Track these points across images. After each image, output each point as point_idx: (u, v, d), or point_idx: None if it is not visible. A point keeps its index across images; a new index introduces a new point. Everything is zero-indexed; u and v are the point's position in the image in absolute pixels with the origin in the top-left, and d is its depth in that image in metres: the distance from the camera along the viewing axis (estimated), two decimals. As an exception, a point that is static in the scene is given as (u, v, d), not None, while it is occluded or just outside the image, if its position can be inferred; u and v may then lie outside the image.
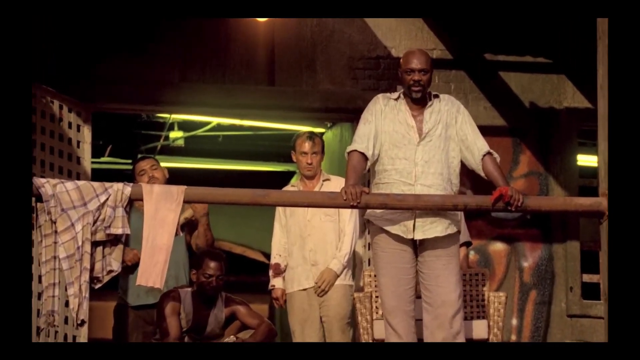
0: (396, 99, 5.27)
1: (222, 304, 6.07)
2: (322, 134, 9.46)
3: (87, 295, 4.92)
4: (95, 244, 4.97)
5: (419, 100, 5.22)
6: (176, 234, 5.09)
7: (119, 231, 5.01)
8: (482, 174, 5.24)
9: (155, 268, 5.00)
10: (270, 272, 6.48)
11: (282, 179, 12.51)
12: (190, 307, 5.96)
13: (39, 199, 4.88)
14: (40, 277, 4.95)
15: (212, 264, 5.96)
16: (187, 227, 6.36)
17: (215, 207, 6.33)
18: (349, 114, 8.10)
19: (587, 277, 8.34)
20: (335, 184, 6.22)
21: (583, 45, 8.30)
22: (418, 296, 5.29)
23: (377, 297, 5.90)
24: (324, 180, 6.42)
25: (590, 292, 8.29)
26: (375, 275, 5.60)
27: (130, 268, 6.07)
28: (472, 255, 8.07)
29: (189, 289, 6.06)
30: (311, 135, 6.47)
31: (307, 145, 6.39)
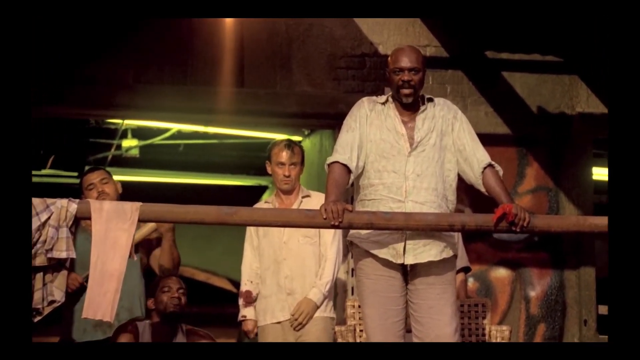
0: (383, 103, 5.29)
1: (184, 337, 6.09)
2: (300, 142, 9.49)
3: (26, 329, 4.90)
4: (34, 270, 4.96)
5: (410, 105, 5.24)
6: (130, 257, 5.08)
7: (63, 255, 5.00)
8: (483, 190, 5.26)
9: (104, 298, 4.99)
10: (241, 301, 6.48)
11: (252, 195, 12.52)
12: (149, 341, 5.97)
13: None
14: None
15: (169, 280, 6.18)
16: (145, 245, 6.36)
17: (175, 227, 6.34)
18: (330, 119, 8.13)
19: (603, 309, 8.38)
20: (316, 201, 6.22)
21: (598, 42, 8.37)
22: (408, 330, 5.30)
23: (361, 330, 5.91)
24: (303, 197, 6.43)
25: (607, 325, 8.33)
26: (359, 306, 5.60)
27: (74, 298, 6.06)
28: (471, 282, 8.10)
29: (147, 321, 6.11)
30: (290, 144, 6.48)
31: (284, 155, 6.41)
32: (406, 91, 5.18)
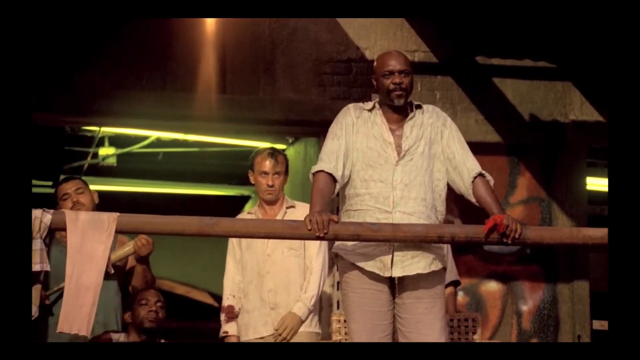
0: (370, 110, 5.29)
1: (162, 354, 6.11)
2: (284, 150, 9.50)
3: (-2, 344, 4.89)
4: (7, 283, 4.94)
5: (398, 112, 5.25)
6: (107, 271, 5.07)
7: (37, 267, 4.98)
8: (473, 200, 5.27)
9: (80, 312, 4.97)
10: (223, 316, 6.48)
11: (234, 205, 12.52)
12: (123, 356, 5.99)
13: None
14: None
15: (147, 293, 6.20)
16: (123, 266, 6.36)
17: (154, 239, 6.33)
18: (315, 127, 8.13)
19: (597, 324, 8.39)
20: (301, 212, 6.22)
21: (592, 47, 8.40)
22: (396, 345, 5.31)
23: (347, 346, 5.91)
24: (287, 208, 6.43)
25: (601, 341, 8.35)
26: (345, 321, 5.60)
27: (48, 312, 6.04)
28: (461, 296, 8.10)
29: (123, 334, 6.14)
30: (273, 152, 6.49)
31: (268, 164, 6.42)
32: (398, 93, 5.19)
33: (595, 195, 8.94)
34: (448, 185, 5.31)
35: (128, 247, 6.24)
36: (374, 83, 5.29)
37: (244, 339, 6.40)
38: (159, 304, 6.19)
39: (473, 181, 5.23)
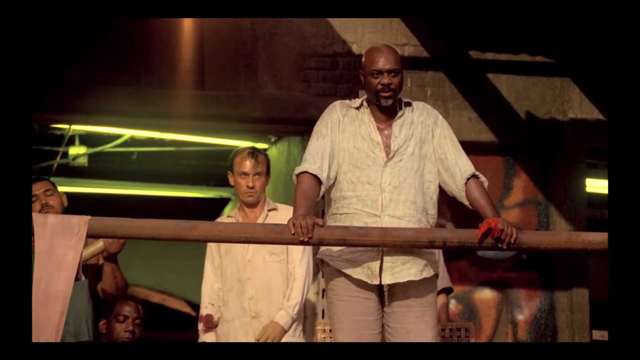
0: (357, 108, 5.29)
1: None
2: (266, 150, 9.50)
3: (-39, 356, 4.88)
4: (-29, 292, 4.93)
5: (387, 110, 5.26)
6: (77, 278, 5.06)
7: (3, 274, 4.98)
8: (466, 202, 5.27)
9: (49, 321, 4.96)
10: (200, 326, 6.49)
11: (213, 208, 12.51)
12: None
13: None
14: None
15: (127, 306, 6.24)
16: (93, 267, 6.34)
17: (127, 243, 6.32)
18: (299, 125, 8.14)
19: (597, 334, 8.41)
20: (283, 214, 6.24)
21: (592, 41, 8.42)
22: (385, 357, 5.32)
23: (333, 358, 5.91)
24: (269, 210, 6.44)
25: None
26: (330, 330, 5.61)
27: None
28: (454, 305, 8.12)
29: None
30: (254, 152, 6.50)
31: (248, 164, 6.43)
32: (386, 94, 5.19)
33: (595, 198, 8.97)
34: (440, 187, 5.32)
35: (98, 244, 6.20)
36: (362, 79, 5.29)
37: (223, 350, 6.41)
38: (137, 321, 6.21)
39: (466, 183, 5.24)
